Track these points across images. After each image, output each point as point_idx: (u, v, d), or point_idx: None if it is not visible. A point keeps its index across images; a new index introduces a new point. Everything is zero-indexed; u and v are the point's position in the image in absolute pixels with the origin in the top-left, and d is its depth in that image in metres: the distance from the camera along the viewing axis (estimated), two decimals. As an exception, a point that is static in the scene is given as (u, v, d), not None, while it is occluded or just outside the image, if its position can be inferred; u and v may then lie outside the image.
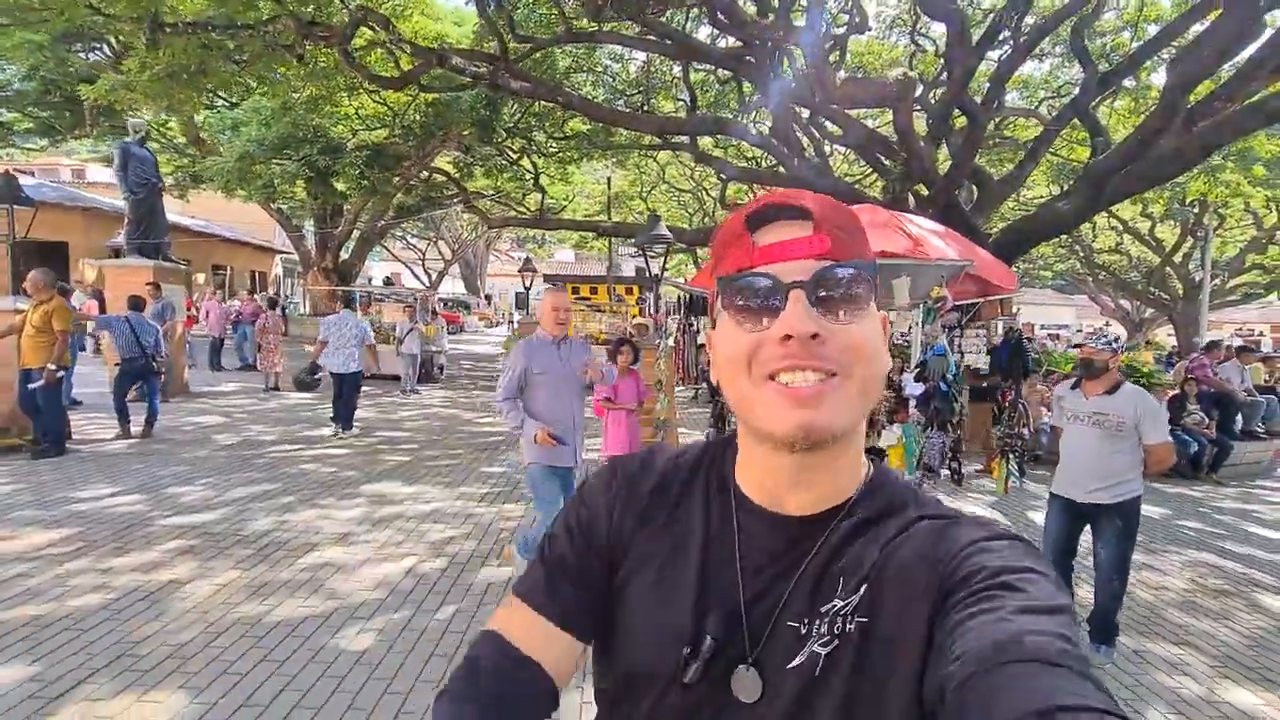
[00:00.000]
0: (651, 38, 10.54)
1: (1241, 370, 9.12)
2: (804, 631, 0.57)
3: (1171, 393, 8.42)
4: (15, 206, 6.95)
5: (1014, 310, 5.57)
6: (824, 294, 0.55)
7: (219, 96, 13.15)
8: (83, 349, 14.12)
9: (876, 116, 16.56)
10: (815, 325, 0.54)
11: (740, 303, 0.57)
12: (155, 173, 9.90)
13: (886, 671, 0.53)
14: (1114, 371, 3.27)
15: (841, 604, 0.56)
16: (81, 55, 16.86)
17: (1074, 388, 3.41)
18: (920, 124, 10.44)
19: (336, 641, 3.08)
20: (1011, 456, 4.88)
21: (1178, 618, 3.91)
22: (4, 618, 3.14)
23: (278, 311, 12.36)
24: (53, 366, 5.90)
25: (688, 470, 0.68)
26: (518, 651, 0.63)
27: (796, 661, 0.56)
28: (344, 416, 7.76)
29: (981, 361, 4.93)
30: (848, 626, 0.55)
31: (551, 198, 23.74)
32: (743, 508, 0.63)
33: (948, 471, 4.68)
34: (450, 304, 36.36)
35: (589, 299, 15.08)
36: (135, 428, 7.02)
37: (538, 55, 13.57)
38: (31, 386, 5.91)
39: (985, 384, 5.28)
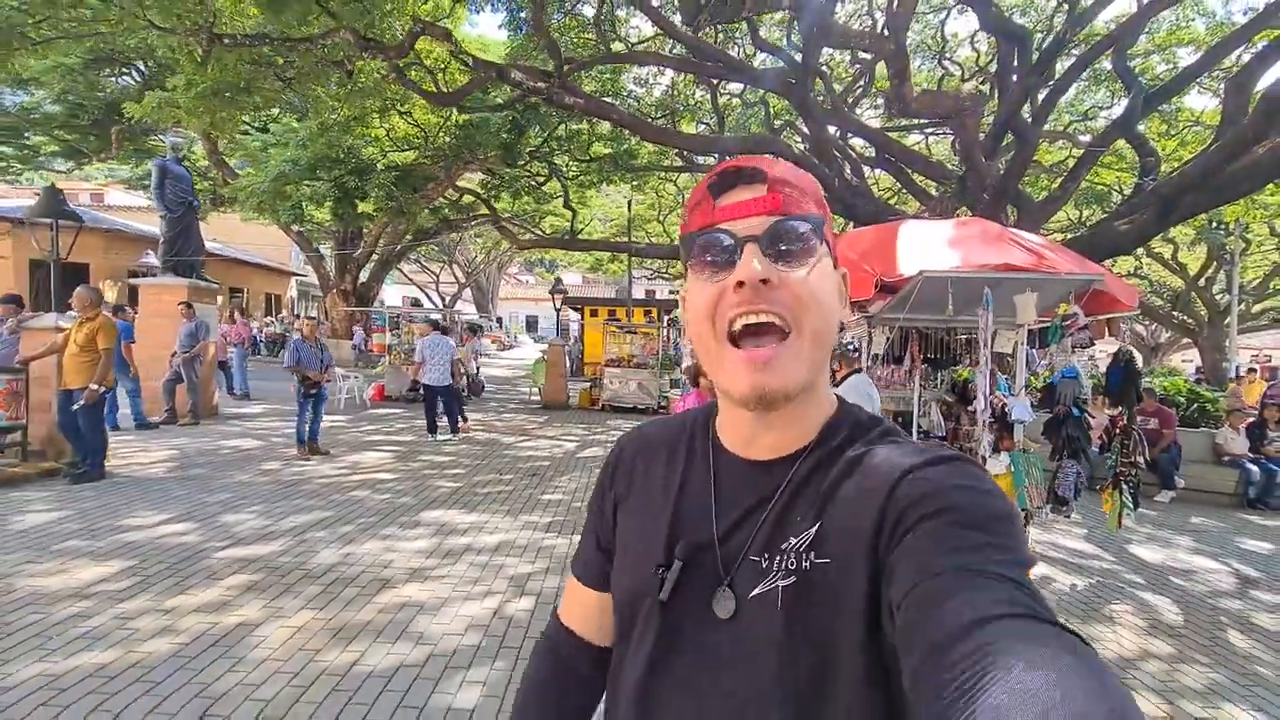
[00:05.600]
0: (687, 56, 10.44)
1: (1312, 395, 8.76)
2: (765, 566, 0.60)
3: (1250, 419, 8.05)
4: (60, 222, 6.71)
5: (1125, 330, 5.24)
6: (776, 245, 0.59)
7: (246, 121, 13.09)
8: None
9: (911, 135, 16.47)
10: (767, 271, 0.57)
11: (701, 257, 0.61)
12: (192, 191, 9.74)
13: (838, 606, 0.55)
14: (841, 368, 3.98)
15: (797, 541, 0.59)
16: (112, 80, 17.02)
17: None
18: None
19: (439, 698, 2.73)
20: (1126, 487, 4.50)
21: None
22: (69, 666, 2.80)
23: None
24: (95, 385, 5.64)
25: (676, 429, 0.75)
26: (566, 632, 0.79)
27: (759, 591, 0.59)
28: (450, 422, 9.11)
29: (1080, 389, 4.57)
30: (803, 563, 0.58)
31: (564, 220, 23.66)
32: (719, 455, 0.68)
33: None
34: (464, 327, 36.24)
35: (619, 320, 14.90)
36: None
37: (572, 77, 13.53)
38: (75, 407, 5.63)
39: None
